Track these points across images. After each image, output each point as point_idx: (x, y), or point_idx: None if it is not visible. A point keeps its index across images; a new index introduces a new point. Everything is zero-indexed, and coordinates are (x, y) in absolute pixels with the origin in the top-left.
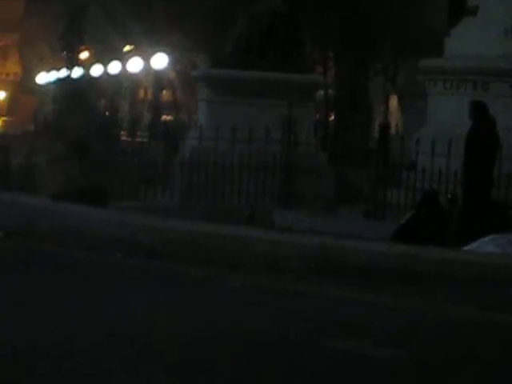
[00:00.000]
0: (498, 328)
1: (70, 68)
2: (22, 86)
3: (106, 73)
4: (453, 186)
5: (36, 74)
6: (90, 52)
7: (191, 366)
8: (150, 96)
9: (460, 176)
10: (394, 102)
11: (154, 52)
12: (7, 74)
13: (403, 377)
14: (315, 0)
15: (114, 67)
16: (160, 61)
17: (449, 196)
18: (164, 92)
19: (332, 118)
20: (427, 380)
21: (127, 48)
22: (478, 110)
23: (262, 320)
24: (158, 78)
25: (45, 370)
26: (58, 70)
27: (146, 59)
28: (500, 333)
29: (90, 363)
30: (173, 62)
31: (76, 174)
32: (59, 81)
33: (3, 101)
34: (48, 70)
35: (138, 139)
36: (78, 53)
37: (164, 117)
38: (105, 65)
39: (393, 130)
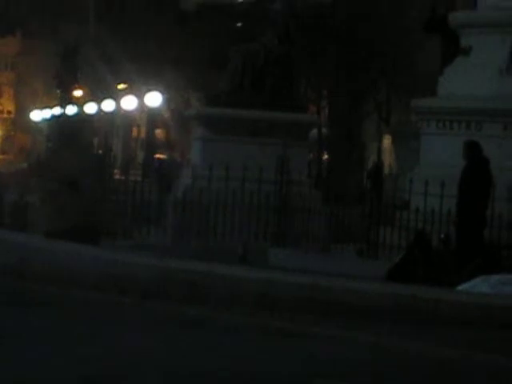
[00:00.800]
0: (477, 367)
1: (63, 106)
2: (16, 124)
3: (99, 111)
4: (446, 226)
5: (30, 112)
6: (83, 90)
7: None
8: (143, 134)
9: (453, 216)
10: (387, 141)
11: (148, 90)
12: (1, 112)
13: None
14: (310, 39)
15: (108, 105)
16: (154, 99)
17: (441, 236)
18: (157, 130)
19: (326, 157)
20: None
21: (121, 86)
22: (472, 150)
23: (253, 360)
24: (152, 117)
25: None
26: (52, 107)
27: (140, 97)
28: (477, 372)
29: None
30: (166, 101)
31: (68, 211)
32: (53, 118)
33: None
34: (42, 108)
35: (132, 178)
36: (72, 91)
37: (157, 155)
38: (98, 103)
39: (386, 170)
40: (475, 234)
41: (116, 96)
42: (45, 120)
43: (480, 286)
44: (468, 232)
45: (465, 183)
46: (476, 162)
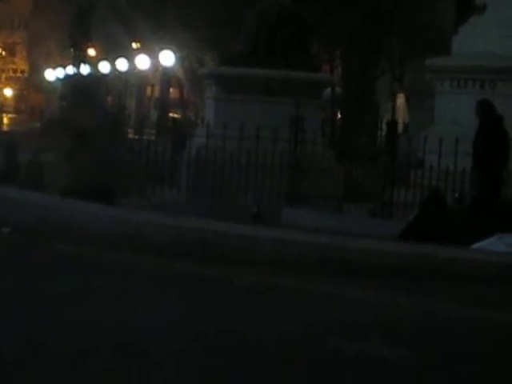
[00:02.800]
0: (495, 327)
1: (76, 65)
2: (29, 83)
3: (113, 70)
4: (460, 184)
5: (43, 72)
6: (96, 49)
7: (194, 367)
8: (157, 93)
9: (468, 174)
10: (401, 100)
11: (161, 49)
12: (14, 71)
13: (405, 377)
14: (324, 1)
15: (122, 64)
16: (167, 58)
17: (456, 194)
18: (171, 90)
19: (339, 116)
20: (426, 379)
21: (134, 45)
22: (484, 109)
23: (268, 321)
24: (166, 76)
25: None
26: (66, 67)
27: (153, 57)
28: (496, 332)
29: (95, 361)
30: (180, 60)
31: (83, 170)
32: (67, 77)
33: (10, 98)
34: (55, 67)
35: (145, 137)
36: (85, 50)
37: (171, 114)
38: (112, 62)
39: (400, 129)
40: (491, 192)
41: (129, 55)
42: (58, 79)
43: (495, 244)
44: (483, 190)
45: (478, 142)
46: (488, 120)
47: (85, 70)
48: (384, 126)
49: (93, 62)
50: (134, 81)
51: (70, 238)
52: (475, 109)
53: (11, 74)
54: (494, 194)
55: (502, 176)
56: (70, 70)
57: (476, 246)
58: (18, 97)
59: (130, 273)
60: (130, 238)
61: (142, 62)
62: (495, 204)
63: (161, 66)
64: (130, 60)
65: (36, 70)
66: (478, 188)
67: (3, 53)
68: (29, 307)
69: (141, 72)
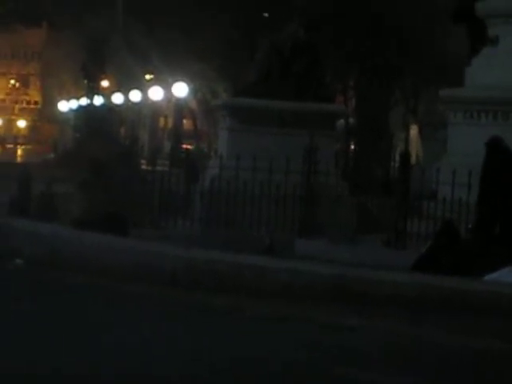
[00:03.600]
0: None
1: (90, 96)
2: (43, 115)
3: (126, 101)
4: (473, 215)
5: (56, 103)
6: (110, 80)
7: None
8: (170, 124)
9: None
10: (414, 131)
11: (175, 81)
12: (28, 103)
13: None
14: (337, 29)
15: (135, 95)
16: (180, 89)
17: (469, 226)
18: (184, 121)
19: (353, 147)
20: None
21: (148, 76)
22: (492, 150)
23: (279, 350)
24: (179, 107)
25: None
26: (79, 98)
27: (167, 88)
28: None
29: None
30: (193, 91)
31: (97, 201)
32: (80, 109)
33: (24, 129)
34: (69, 99)
35: (159, 168)
36: (99, 81)
37: (184, 145)
38: (125, 93)
39: (413, 160)
40: (496, 225)
41: (143, 86)
42: (71, 110)
43: (508, 275)
44: (488, 222)
45: (486, 182)
46: (497, 156)
47: (98, 101)
48: (397, 157)
49: (106, 94)
50: (147, 112)
51: (83, 269)
52: (485, 150)
53: (24, 105)
54: (503, 226)
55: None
56: (84, 101)
57: (488, 277)
58: (32, 128)
59: (142, 303)
60: (142, 269)
61: (156, 93)
62: (507, 236)
63: (174, 97)
64: (144, 91)
65: (49, 101)
66: (481, 224)
67: (17, 84)
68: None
69: (154, 103)
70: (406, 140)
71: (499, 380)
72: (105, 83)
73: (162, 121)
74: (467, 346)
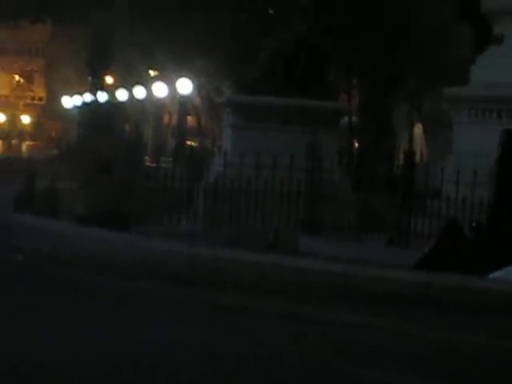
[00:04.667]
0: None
1: (94, 93)
2: (47, 111)
3: (131, 97)
4: (477, 214)
5: (60, 99)
6: (114, 77)
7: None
8: (174, 121)
9: (486, 205)
10: (418, 129)
11: (179, 77)
12: (32, 99)
13: None
14: (341, 27)
15: (139, 92)
16: (184, 86)
17: (473, 225)
18: (189, 117)
19: (356, 145)
20: None
21: (152, 73)
22: (506, 140)
23: (283, 346)
24: (183, 104)
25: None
26: (83, 94)
27: (171, 84)
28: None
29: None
30: (197, 88)
31: (101, 198)
32: (84, 105)
33: (28, 125)
34: (73, 95)
35: (163, 164)
36: (103, 78)
37: (189, 142)
38: (129, 90)
39: (417, 158)
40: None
41: (147, 83)
42: (76, 107)
43: None
44: (499, 222)
45: (499, 175)
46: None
47: (102, 97)
48: (401, 156)
49: (110, 90)
50: (151, 108)
51: (85, 264)
52: (500, 138)
53: (29, 101)
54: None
55: None
56: (88, 97)
57: (493, 275)
58: (36, 124)
59: (144, 299)
60: (146, 265)
61: (160, 89)
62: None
63: (178, 94)
64: (148, 88)
65: (53, 98)
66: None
67: (21, 80)
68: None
69: (158, 100)
70: (410, 138)
71: (501, 377)
72: (109, 79)
73: (166, 117)
74: (470, 344)
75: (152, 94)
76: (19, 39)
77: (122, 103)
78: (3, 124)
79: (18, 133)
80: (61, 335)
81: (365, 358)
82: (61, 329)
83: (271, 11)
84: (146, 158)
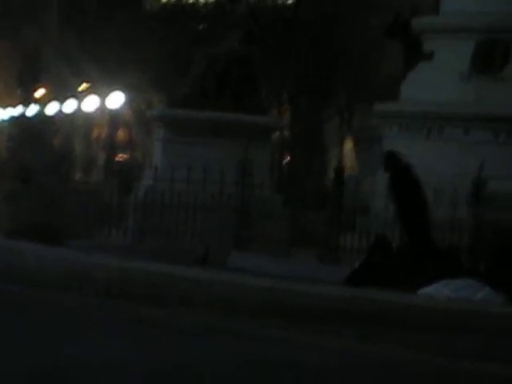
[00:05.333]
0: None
1: (25, 105)
2: None
3: (61, 111)
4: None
5: None
6: (46, 89)
7: None
8: (104, 135)
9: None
10: (349, 145)
11: (111, 90)
12: None
13: None
14: (272, 45)
15: (70, 106)
16: (116, 99)
17: (396, 244)
18: (119, 131)
19: (287, 159)
20: None
21: (84, 86)
22: (389, 161)
23: (207, 361)
24: (113, 117)
25: None
26: (14, 107)
27: (103, 97)
28: (431, 374)
29: None
30: (128, 101)
31: (27, 211)
32: (14, 119)
33: None
34: (3, 108)
35: (93, 178)
36: (34, 91)
37: (119, 156)
38: (61, 102)
39: (347, 174)
40: (420, 240)
41: (77, 96)
42: (3, 120)
43: (441, 290)
44: (414, 238)
45: (392, 194)
46: (399, 171)
47: (32, 110)
48: (332, 172)
49: (42, 103)
50: (81, 122)
51: (15, 279)
52: (384, 162)
53: None
54: (425, 241)
55: (425, 223)
56: (18, 110)
57: (422, 291)
58: None
59: (74, 313)
60: (75, 279)
61: (91, 103)
62: (428, 250)
63: (108, 108)
64: (79, 100)
65: None
66: (407, 235)
67: None
68: None
69: (88, 113)
70: (340, 153)
71: None
72: (40, 92)
73: (96, 131)
74: (396, 359)
75: (82, 107)
76: None
77: (52, 117)
78: None
79: None
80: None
81: (286, 373)
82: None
83: (202, 26)
84: (76, 171)
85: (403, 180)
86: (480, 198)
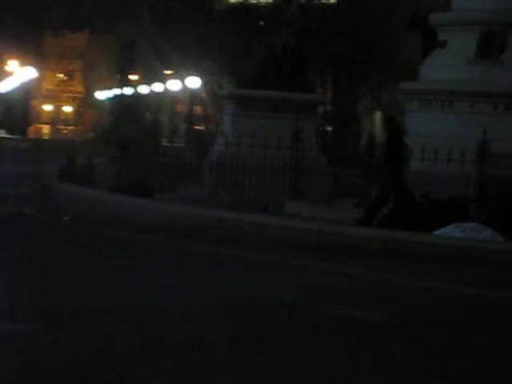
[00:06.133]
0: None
1: (122, 88)
2: (85, 102)
3: (151, 91)
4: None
5: (95, 92)
6: (138, 75)
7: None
8: (185, 110)
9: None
10: (378, 116)
11: (190, 74)
12: (73, 92)
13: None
14: (317, 36)
15: (157, 87)
16: (194, 82)
17: (421, 192)
18: (196, 107)
19: (329, 128)
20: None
21: (167, 72)
22: (389, 124)
23: (273, 290)
24: (192, 96)
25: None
26: (113, 89)
27: (183, 81)
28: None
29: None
30: (204, 83)
31: (126, 172)
32: (114, 97)
33: (70, 113)
34: (105, 89)
35: (176, 144)
36: (129, 75)
37: (197, 126)
38: (149, 85)
39: (378, 139)
40: (395, 174)
41: (164, 80)
42: (107, 99)
43: (453, 231)
44: (391, 174)
45: (387, 150)
46: (393, 132)
47: (128, 91)
48: (365, 137)
49: (135, 85)
50: (166, 100)
51: (116, 224)
52: (385, 125)
53: (70, 94)
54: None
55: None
56: (117, 91)
57: (438, 232)
58: (76, 113)
59: (163, 252)
60: (163, 225)
61: (174, 85)
62: (449, 201)
63: (188, 88)
64: (164, 83)
65: (90, 91)
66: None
67: (64, 78)
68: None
69: (172, 93)
70: (371, 123)
71: (445, 314)
72: (134, 77)
73: (178, 107)
74: (422, 288)
75: (167, 88)
76: (63, 45)
77: (144, 96)
78: (50, 113)
79: (62, 120)
80: (84, 275)
81: (345, 300)
82: (83, 270)
83: (262, 23)
84: (163, 139)
85: (394, 136)
86: (484, 156)
